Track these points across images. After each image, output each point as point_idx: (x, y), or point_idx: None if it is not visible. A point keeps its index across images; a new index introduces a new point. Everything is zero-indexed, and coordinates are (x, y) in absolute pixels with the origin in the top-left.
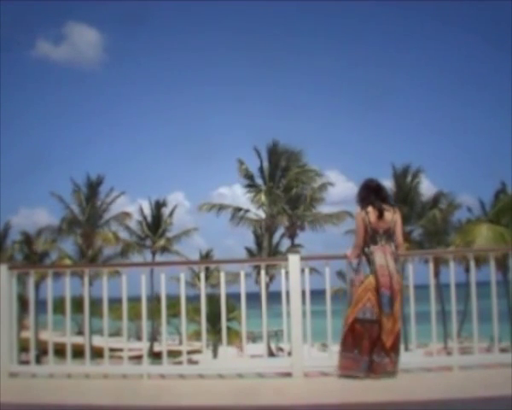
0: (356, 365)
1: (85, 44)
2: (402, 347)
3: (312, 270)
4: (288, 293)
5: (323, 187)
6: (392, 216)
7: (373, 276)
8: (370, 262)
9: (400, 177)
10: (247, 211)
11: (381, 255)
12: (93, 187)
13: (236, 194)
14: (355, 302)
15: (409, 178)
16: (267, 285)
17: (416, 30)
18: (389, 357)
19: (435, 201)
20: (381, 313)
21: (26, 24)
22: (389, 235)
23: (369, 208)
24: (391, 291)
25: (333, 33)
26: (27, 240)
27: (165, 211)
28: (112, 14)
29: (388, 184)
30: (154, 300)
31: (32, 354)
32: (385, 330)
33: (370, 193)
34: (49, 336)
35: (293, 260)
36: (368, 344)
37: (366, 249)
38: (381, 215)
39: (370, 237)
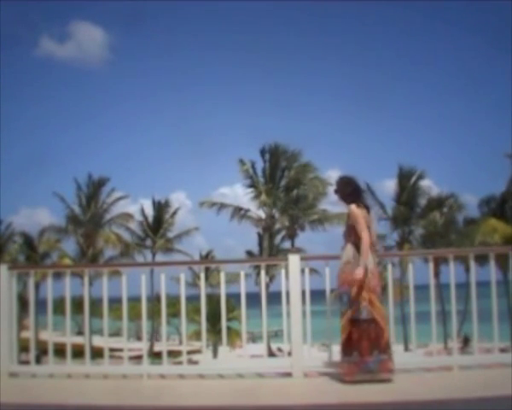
0: (358, 368)
1: (90, 43)
2: (402, 347)
3: (312, 270)
4: (288, 293)
5: (324, 186)
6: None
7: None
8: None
9: (404, 178)
10: (247, 211)
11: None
12: (95, 187)
13: (237, 194)
14: (350, 304)
15: (412, 180)
16: (267, 285)
17: (417, 30)
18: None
19: (439, 202)
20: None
21: (31, 22)
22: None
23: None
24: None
25: (333, 33)
26: (28, 240)
27: (168, 211)
28: (117, 13)
29: (392, 184)
30: (154, 300)
31: (32, 354)
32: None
33: (355, 188)
34: (49, 336)
35: (293, 261)
36: (365, 345)
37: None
38: (368, 212)
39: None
